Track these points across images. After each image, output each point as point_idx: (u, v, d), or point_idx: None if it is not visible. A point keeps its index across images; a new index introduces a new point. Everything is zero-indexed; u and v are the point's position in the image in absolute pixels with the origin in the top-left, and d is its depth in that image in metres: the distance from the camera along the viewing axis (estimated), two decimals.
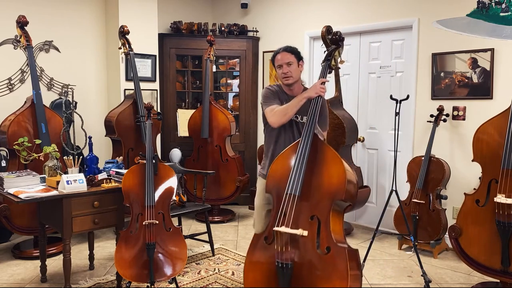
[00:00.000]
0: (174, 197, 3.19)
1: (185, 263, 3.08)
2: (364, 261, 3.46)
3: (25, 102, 4.02)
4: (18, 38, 4.41)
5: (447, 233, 3.53)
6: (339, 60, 2.98)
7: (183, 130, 5.21)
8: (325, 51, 4.55)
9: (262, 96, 2.86)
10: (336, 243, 2.39)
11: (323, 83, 2.67)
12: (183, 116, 5.26)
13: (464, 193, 3.19)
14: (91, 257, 3.70)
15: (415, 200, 3.99)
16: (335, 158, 2.49)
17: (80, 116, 3.70)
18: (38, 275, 3.53)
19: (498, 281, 3.16)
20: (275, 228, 2.43)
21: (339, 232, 2.44)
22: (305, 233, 2.40)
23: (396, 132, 3.52)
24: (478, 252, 3.05)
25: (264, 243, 2.54)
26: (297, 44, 5.24)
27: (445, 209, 4.03)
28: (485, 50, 3.89)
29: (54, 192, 2.94)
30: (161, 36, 5.44)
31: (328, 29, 4.47)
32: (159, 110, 5.29)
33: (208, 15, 6.25)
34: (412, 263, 3.85)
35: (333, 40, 2.96)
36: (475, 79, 3.99)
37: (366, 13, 4.73)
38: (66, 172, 3.18)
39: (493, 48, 3.85)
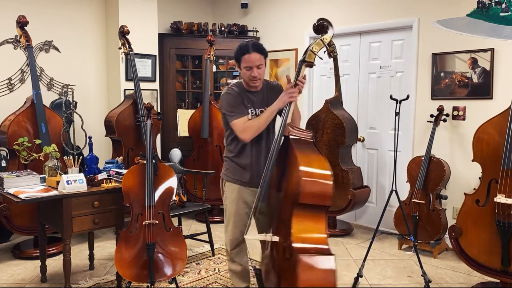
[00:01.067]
0: (174, 197, 3.19)
1: (185, 263, 3.08)
2: (364, 261, 3.46)
3: (25, 102, 4.02)
4: (18, 38, 4.41)
5: (447, 233, 3.53)
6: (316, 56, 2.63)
7: (183, 130, 5.21)
8: (325, 51, 4.60)
9: (224, 103, 2.66)
10: (295, 250, 2.13)
11: (296, 84, 2.52)
12: (183, 116, 5.26)
13: (464, 193, 3.19)
14: (91, 257, 3.70)
15: (415, 200, 3.99)
16: (295, 160, 2.25)
17: (80, 116, 3.70)
18: (38, 275, 3.52)
19: (498, 281, 3.16)
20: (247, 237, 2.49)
21: (307, 238, 2.16)
22: (276, 238, 2.33)
23: (396, 132, 3.52)
24: (478, 252, 3.06)
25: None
26: (297, 44, 5.31)
27: (445, 209, 4.03)
28: (485, 50, 3.89)
29: (54, 192, 2.93)
30: (161, 36, 5.44)
31: None
32: (159, 110, 5.29)
33: (208, 15, 6.25)
34: (412, 263, 3.85)
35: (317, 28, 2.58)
36: (475, 79, 3.99)
37: (366, 13, 4.73)
38: (66, 172, 3.18)
39: (493, 48, 3.85)
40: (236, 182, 2.75)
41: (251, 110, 2.70)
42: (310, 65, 2.58)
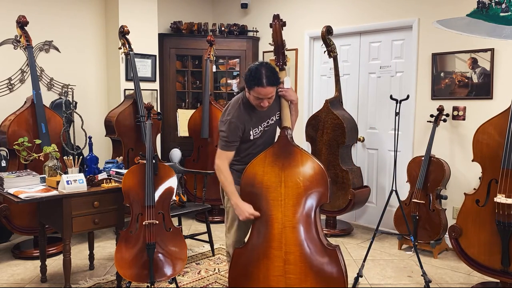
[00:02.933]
0: (174, 197, 3.19)
1: (185, 263, 3.08)
2: (364, 261, 3.46)
3: (25, 102, 4.02)
4: (18, 38, 4.41)
5: (447, 233, 3.53)
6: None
7: (183, 130, 5.21)
8: (324, 51, 4.61)
9: (224, 128, 2.66)
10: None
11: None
12: (183, 116, 5.26)
13: (464, 193, 3.19)
14: (91, 257, 3.70)
15: (415, 200, 3.99)
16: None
17: (80, 116, 3.70)
18: (38, 275, 3.53)
19: (498, 281, 3.16)
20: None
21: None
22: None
23: (396, 132, 3.52)
24: (478, 252, 3.06)
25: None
26: (297, 44, 5.30)
27: (445, 209, 4.03)
28: (485, 50, 3.89)
29: (54, 192, 2.93)
30: (161, 36, 5.44)
31: (328, 29, 4.48)
32: (159, 110, 5.29)
33: (208, 15, 6.25)
34: (412, 263, 3.85)
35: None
36: (475, 79, 3.99)
37: (366, 13, 4.72)
38: (66, 172, 3.18)
39: (493, 48, 3.85)
40: (239, 183, 2.74)
41: (254, 131, 2.70)
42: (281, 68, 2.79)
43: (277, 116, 2.78)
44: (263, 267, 2.54)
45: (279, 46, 2.78)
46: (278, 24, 2.79)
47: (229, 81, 5.82)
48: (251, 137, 2.71)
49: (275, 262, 2.52)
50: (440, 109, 4.08)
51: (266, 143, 2.76)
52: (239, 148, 2.74)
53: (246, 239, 2.76)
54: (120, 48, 4.54)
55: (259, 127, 2.72)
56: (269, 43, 2.79)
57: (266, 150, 2.65)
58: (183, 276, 3.53)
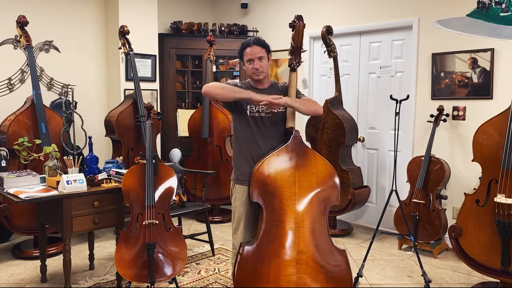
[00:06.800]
0: (174, 197, 3.19)
1: (185, 263, 3.09)
2: (364, 261, 3.47)
3: (25, 102, 4.02)
4: (18, 38, 4.41)
5: (447, 233, 3.53)
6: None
7: (183, 130, 5.21)
8: (324, 51, 4.61)
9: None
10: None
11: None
12: (183, 116, 5.26)
13: (464, 193, 3.19)
14: (91, 257, 3.71)
15: (415, 200, 3.99)
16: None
17: (80, 116, 3.70)
18: (38, 275, 3.53)
19: (498, 281, 3.16)
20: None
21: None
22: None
23: (396, 132, 3.52)
24: (478, 252, 3.06)
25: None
26: None
27: (445, 209, 4.03)
28: (485, 50, 3.89)
29: (54, 192, 2.93)
30: (161, 36, 5.44)
31: (328, 29, 4.48)
32: (159, 110, 5.29)
33: (208, 15, 6.25)
34: (412, 263, 3.85)
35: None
36: (475, 79, 3.99)
37: (366, 13, 4.73)
38: (66, 172, 3.18)
39: (493, 48, 3.85)
40: (245, 183, 2.71)
41: (251, 107, 2.67)
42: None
43: (282, 108, 2.73)
44: (274, 267, 2.51)
45: (298, 47, 2.78)
46: (301, 24, 2.82)
47: (229, 81, 5.81)
48: (248, 112, 2.66)
49: (287, 262, 2.50)
50: (440, 109, 4.08)
51: (272, 137, 2.69)
52: (239, 126, 2.71)
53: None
54: (120, 48, 4.54)
55: (256, 107, 2.67)
56: (291, 42, 2.79)
57: (280, 148, 2.60)
58: (183, 276, 3.53)
